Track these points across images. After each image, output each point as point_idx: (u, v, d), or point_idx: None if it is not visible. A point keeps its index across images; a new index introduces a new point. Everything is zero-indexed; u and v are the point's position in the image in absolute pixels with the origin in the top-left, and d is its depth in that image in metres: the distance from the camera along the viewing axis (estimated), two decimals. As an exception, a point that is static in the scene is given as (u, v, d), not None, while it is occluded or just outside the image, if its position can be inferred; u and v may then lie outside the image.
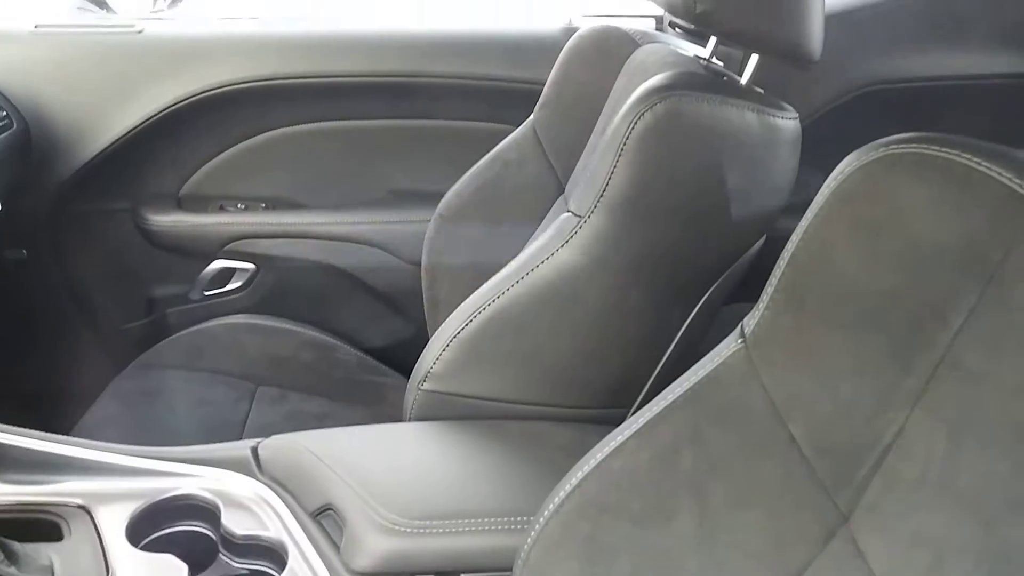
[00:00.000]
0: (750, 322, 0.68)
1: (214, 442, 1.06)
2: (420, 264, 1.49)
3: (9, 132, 1.48)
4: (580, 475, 0.72)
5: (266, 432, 1.33)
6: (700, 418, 0.68)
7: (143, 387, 1.43)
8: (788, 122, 0.99)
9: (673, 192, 0.96)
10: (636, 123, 0.93)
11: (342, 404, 1.46)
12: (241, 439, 1.32)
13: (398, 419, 1.18)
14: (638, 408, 1.07)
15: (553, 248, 1.00)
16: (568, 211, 1.02)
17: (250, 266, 1.67)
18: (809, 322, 0.64)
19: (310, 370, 1.52)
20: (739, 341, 0.68)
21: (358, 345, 1.63)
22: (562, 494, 0.72)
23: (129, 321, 1.73)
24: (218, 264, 1.67)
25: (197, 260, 1.68)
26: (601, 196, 0.96)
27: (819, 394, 0.63)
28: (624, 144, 0.94)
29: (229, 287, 1.69)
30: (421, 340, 1.50)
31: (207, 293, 1.69)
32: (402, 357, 1.61)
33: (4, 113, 1.48)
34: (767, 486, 0.65)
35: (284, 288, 1.69)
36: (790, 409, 0.64)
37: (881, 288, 0.60)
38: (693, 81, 0.98)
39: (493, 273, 1.35)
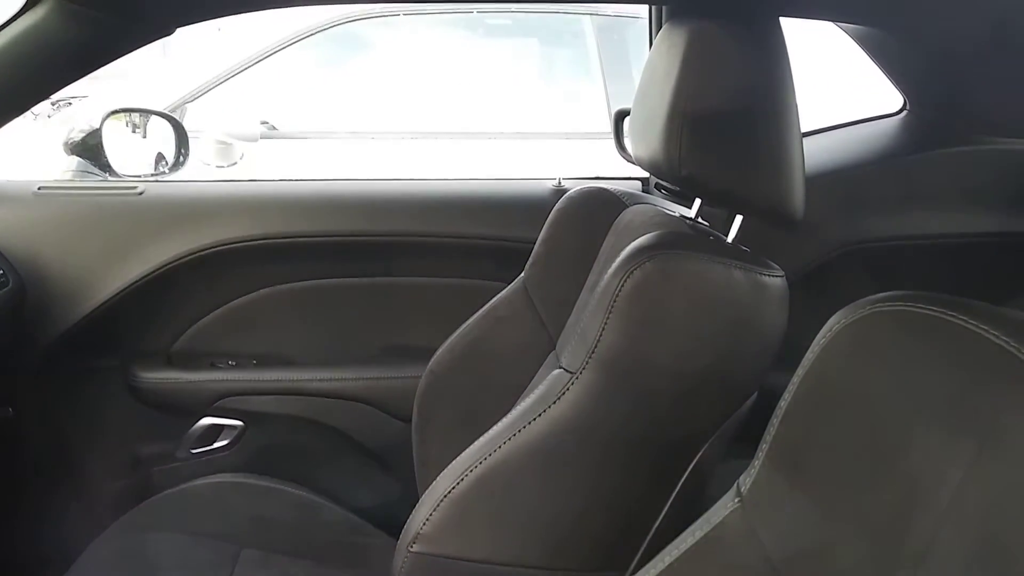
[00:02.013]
0: (746, 480, 0.68)
1: None
2: (410, 421, 1.48)
3: (3, 291, 1.49)
4: (576, 644, 0.69)
5: (249, 599, 1.28)
6: (699, 581, 0.67)
7: (123, 550, 1.38)
8: (775, 280, 1.01)
9: (663, 348, 0.97)
10: (625, 281, 0.95)
11: (327, 567, 1.41)
12: (223, 606, 1.27)
13: (385, 582, 1.14)
14: (635, 570, 1.04)
15: (545, 405, 1.00)
16: (560, 367, 1.02)
17: (238, 423, 1.66)
18: (804, 481, 0.63)
19: (295, 531, 1.48)
20: (735, 500, 0.68)
21: (346, 504, 1.59)
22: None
23: (114, 479, 1.69)
24: (206, 421, 1.66)
25: (185, 417, 1.66)
26: (592, 353, 0.97)
27: (819, 557, 0.62)
28: (614, 303, 0.95)
29: (216, 445, 1.67)
30: (410, 499, 1.47)
31: (193, 451, 1.67)
32: (391, 516, 1.57)
33: (1, 272, 1.50)
34: (770, 653, 0.63)
35: (272, 446, 1.67)
36: (791, 569, 0.63)
37: (877, 446, 0.60)
38: (680, 240, 1.01)
39: (485, 429, 1.34)
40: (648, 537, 1.04)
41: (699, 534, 0.68)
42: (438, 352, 1.46)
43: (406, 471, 1.52)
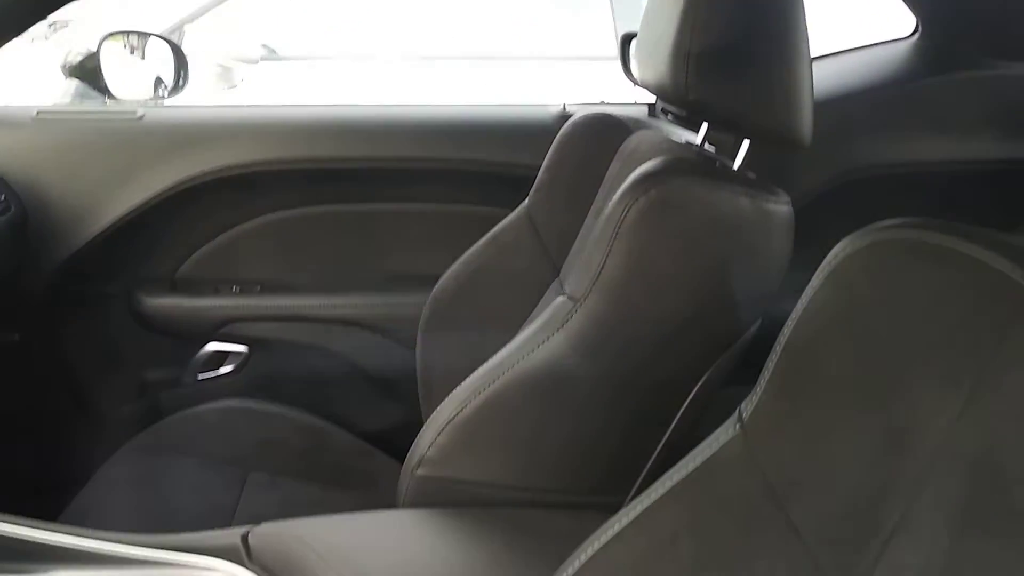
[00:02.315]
0: (747, 407, 0.68)
1: (204, 529, 1.04)
2: (414, 348, 1.49)
3: (6, 216, 1.49)
4: (577, 564, 0.71)
5: (257, 519, 1.30)
6: (698, 505, 0.67)
7: (132, 473, 1.41)
8: (781, 207, 1.00)
9: (667, 277, 0.96)
10: (630, 208, 0.94)
11: (334, 490, 1.43)
12: (231, 526, 1.30)
13: (391, 504, 1.16)
14: (635, 495, 1.06)
15: (548, 333, 1.00)
16: (563, 295, 1.02)
17: (243, 349, 1.67)
18: (806, 408, 0.64)
19: (302, 455, 1.50)
20: (736, 427, 0.68)
21: (351, 429, 1.61)
22: (559, 584, 0.71)
23: (121, 404, 1.71)
24: (211, 347, 1.67)
25: (190, 343, 1.67)
26: (596, 280, 0.97)
27: (819, 481, 0.62)
28: (618, 229, 0.95)
29: (222, 370, 1.68)
30: (415, 424, 1.49)
31: (200, 376, 1.68)
32: (396, 441, 1.59)
33: (3, 197, 1.50)
34: (767, 573, 0.64)
35: (277, 371, 1.68)
36: (790, 496, 0.64)
37: (877, 373, 0.60)
38: (686, 166, 1.00)
39: (487, 357, 1.35)
40: (650, 461, 1.05)
41: (699, 459, 0.69)
42: (441, 279, 1.46)
43: (410, 397, 1.54)
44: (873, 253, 0.62)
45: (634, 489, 1.06)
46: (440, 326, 1.45)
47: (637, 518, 0.69)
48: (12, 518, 0.97)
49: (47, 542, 0.96)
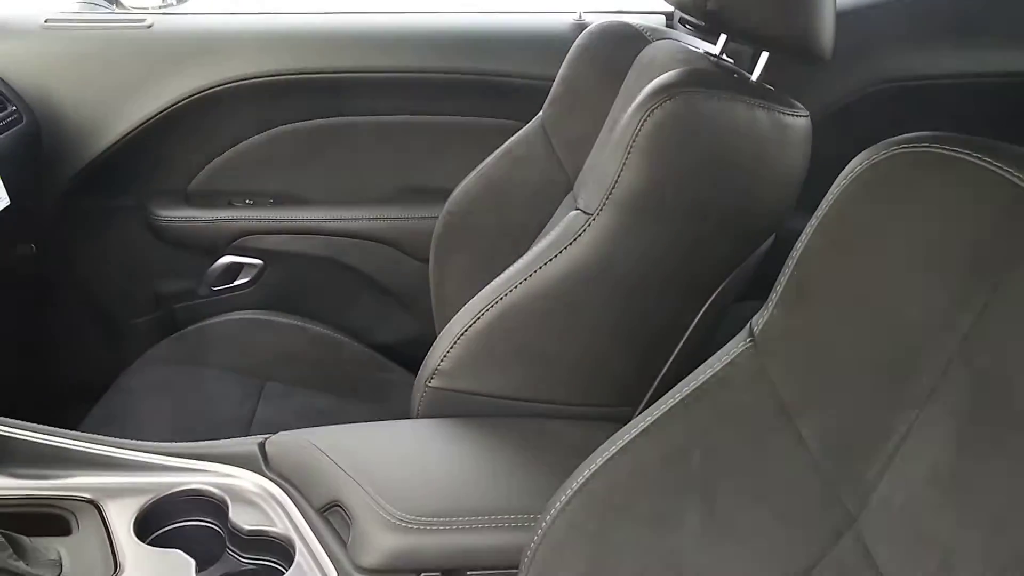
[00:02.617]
0: (758, 321, 0.68)
1: (221, 438, 1.06)
2: (427, 261, 1.49)
3: (18, 127, 1.48)
4: (587, 473, 0.72)
5: (273, 428, 1.33)
6: (708, 418, 0.68)
7: (150, 383, 1.43)
8: (799, 120, 0.99)
9: (682, 189, 0.96)
10: (646, 120, 0.93)
11: (349, 400, 1.46)
12: (248, 435, 1.32)
13: (405, 416, 1.18)
14: (646, 407, 1.07)
15: (561, 246, 1.00)
16: (577, 208, 1.01)
17: (258, 262, 1.67)
18: (818, 321, 0.64)
19: (317, 366, 1.52)
20: (747, 340, 0.68)
21: (365, 341, 1.62)
22: (569, 492, 0.72)
23: (136, 316, 1.73)
24: (226, 260, 1.67)
25: (204, 256, 1.68)
26: (610, 194, 0.96)
27: (828, 394, 0.63)
28: (633, 141, 0.94)
29: (236, 283, 1.69)
30: (428, 337, 1.50)
31: (214, 289, 1.69)
32: (409, 354, 1.61)
33: (14, 108, 1.49)
34: (775, 486, 0.65)
35: (291, 284, 1.69)
36: (799, 408, 0.64)
37: (891, 287, 0.60)
38: (703, 78, 0.98)
39: (501, 270, 1.35)
40: (661, 374, 1.06)
41: (710, 372, 0.69)
42: (454, 193, 1.45)
43: (423, 310, 1.55)
44: (893, 166, 0.61)
45: (644, 401, 1.07)
46: (453, 239, 1.45)
47: (647, 429, 0.70)
48: (34, 426, 0.99)
49: (66, 448, 0.99)
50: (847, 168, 0.64)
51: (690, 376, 0.71)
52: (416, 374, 1.50)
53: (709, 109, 0.94)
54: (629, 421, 1.07)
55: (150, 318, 1.73)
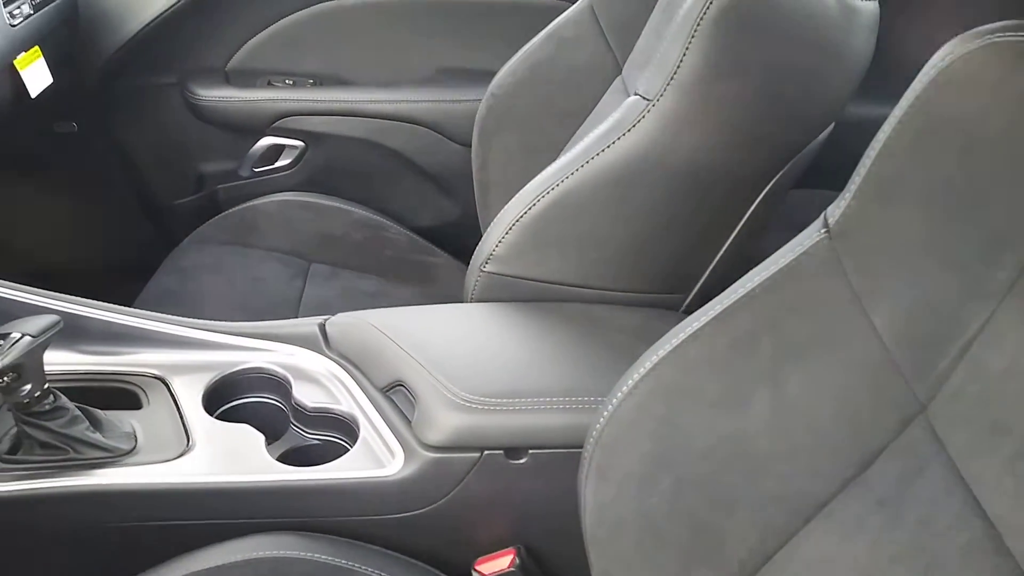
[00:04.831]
0: (834, 212, 0.68)
1: (272, 318, 1.08)
2: (469, 145, 1.48)
3: (57, 3, 1.46)
4: (655, 359, 0.73)
5: (322, 308, 1.35)
6: (780, 306, 0.69)
7: (200, 262, 1.45)
8: (867, 5, 0.96)
9: (746, 75, 0.94)
10: (711, 4, 0.91)
11: (393, 282, 1.48)
12: (298, 315, 1.35)
13: (449, 298, 1.19)
14: (698, 294, 1.08)
15: (620, 132, 0.99)
16: (636, 94, 1.00)
17: (299, 143, 1.67)
18: (898, 213, 0.64)
19: (361, 248, 1.54)
20: (822, 231, 0.68)
21: (407, 224, 1.63)
22: (636, 376, 0.74)
23: (179, 197, 1.74)
24: (267, 141, 1.67)
25: (246, 136, 1.67)
26: (672, 79, 0.95)
27: (905, 285, 0.63)
28: (698, 25, 0.92)
29: (278, 164, 1.69)
30: (468, 221, 1.51)
31: (256, 170, 1.70)
32: (451, 237, 1.62)
33: (53, -17, 1.46)
34: (845, 374, 0.66)
35: (333, 166, 1.69)
36: (873, 299, 0.65)
37: (977, 181, 0.60)
38: (771, -40, 0.95)
39: (546, 153, 1.34)
40: (714, 263, 1.06)
41: (782, 262, 0.69)
42: (498, 75, 1.43)
43: (464, 193, 1.55)
44: (982, 57, 0.60)
45: (697, 287, 1.08)
46: (497, 122, 1.44)
47: (717, 317, 0.71)
48: (103, 304, 1.02)
49: (133, 326, 1.01)
50: (936, 57, 0.63)
51: (760, 266, 0.71)
52: (457, 257, 1.51)
53: (777, -8, 0.92)
54: (680, 308, 1.10)
55: (192, 199, 1.74)
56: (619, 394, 0.75)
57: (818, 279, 0.68)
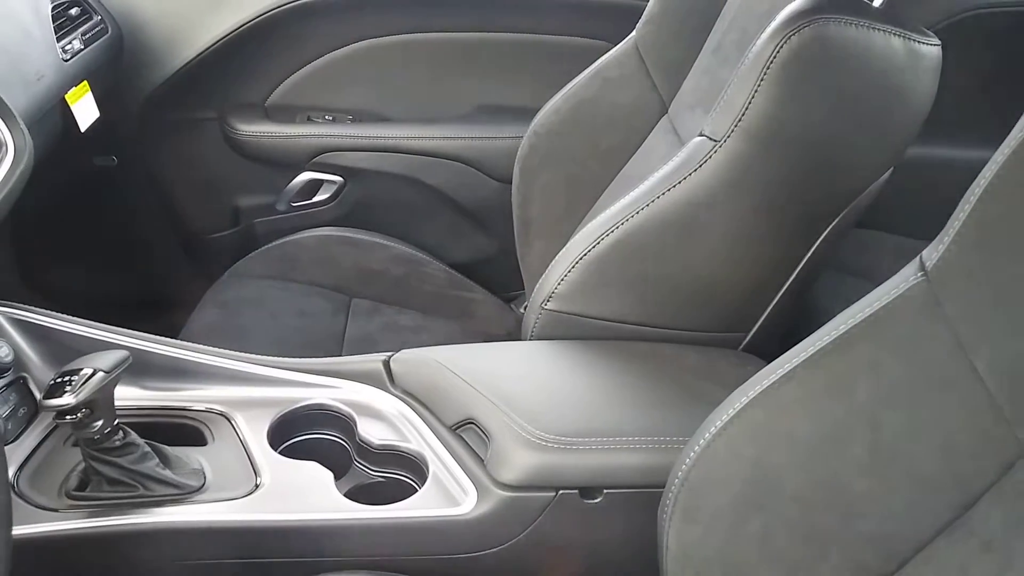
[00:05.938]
0: (931, 255, 0.68)
1: (317, 352, 1.09)
2: (508, 182, 1.49)
3: (104, 39, 1.47)
4: (744, 400, 0.73)
5: (366, 343, 1.35)
6: (877, 348, 0.69)
7: (241, 296, 1.45)
8: (931, 48, 0.97)
9: (814, 119, 0.95)
10: (782, 47, 0.92)
11: (433, 317, 1.48)
12: (342, 350, 1.35)
13: (489, 334, 1.19)
14: (757, 332, 1.09)
15: (686, 172, 1.00)
16: (702, 135, 1.01)
17: (337, 179, 1.68)
18: (1003, 257, 0.64)
19: (401, 283, 1.54)
20: (919, 274, 0.69)
21: (444, 260, 1.64)
22: (725, 417, 0.74)
23: (216, 231, 1.75)
24: (305, 176, 1.68)
25: (284, 171, 1.68)
26: (739, 121, 0.95)
27: (1009, 329, 0.63)
28: (768, 67, 0.93)
29: (316, 199, 1.69)
30: (505, 257, 1.51)
31: (294, 204, 1.70)
32: (489, 273, 1.63)
33: (99, 19, 1.48)
34: (945, 418, 0.66)
35: (371, 201, 1.69)
36: (975, 343, 0.65)
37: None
38: (840, 4, 0.96)
39: (590, 192, 1.35)
40: (774, 302, 1.07)
41: (877, 305, 0.69)
42: (541, 113, 1.44)
43: (501, 229, 1.55)
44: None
45: (756, 326, 1.08)
46: (540, 160, 1.44)
47: (810, 359, 0.71)
48: (160, 339, 1.01)
49: (196, 362, 1.01)
50: (1039, 104, 0.63)
51: (853, 307, 0.72)
52: (495, 293, 1.51)
53: (846, 37, 0.93)
54: (739, 346, 1.10)
55: (229, 233, 1.74)
56: (707, 435, 0.74)
57: (917, 321, 0.68)
